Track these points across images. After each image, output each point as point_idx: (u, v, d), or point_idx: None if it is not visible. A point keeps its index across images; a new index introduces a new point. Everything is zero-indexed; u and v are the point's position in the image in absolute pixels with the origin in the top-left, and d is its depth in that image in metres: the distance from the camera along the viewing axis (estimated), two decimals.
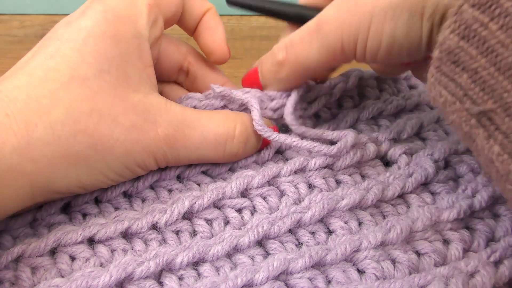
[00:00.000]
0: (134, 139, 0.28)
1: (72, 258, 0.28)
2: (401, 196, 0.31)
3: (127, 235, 0.29)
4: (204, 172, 0.32)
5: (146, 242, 0.29)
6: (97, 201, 0.31)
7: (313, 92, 0.34)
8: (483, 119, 0.22)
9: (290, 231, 0.29)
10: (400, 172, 0.32)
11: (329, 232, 0.29)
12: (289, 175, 0.31)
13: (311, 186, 0.31)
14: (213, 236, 0.29)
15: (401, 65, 0.32)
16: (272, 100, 0.33)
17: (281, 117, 0.33)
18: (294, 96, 0.32)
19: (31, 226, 0.29)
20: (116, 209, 0.30)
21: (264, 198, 0.30)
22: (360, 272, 0.28)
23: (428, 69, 0.24)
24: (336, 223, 0.29)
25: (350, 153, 0.32)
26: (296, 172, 0.31)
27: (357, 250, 0.28)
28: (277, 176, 0.31)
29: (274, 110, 0.33)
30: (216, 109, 0.33)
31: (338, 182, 0.31)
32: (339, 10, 0.28)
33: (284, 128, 0.34)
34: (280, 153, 0.33)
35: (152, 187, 0.31)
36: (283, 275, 0.27)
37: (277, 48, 0.31)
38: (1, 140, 0.25)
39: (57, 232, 0.28)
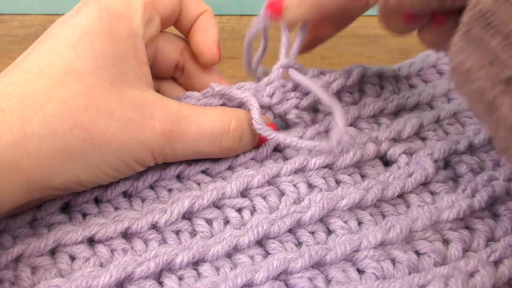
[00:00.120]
0: (131, 134, 0.28)
1: (72, 258, 0.28)
2: (401, 196, 0.31)
3: (127, 235, 0.29)
4: (203, 172, 0.32)
5: (146, 242, 0.29)
6: (97, 201, 0.31)
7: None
8: None
9: (290, 230, 0.29)
10: (400, 172, 0.32)
11: (329, 232, 0.29)
12: (289, 175, 0.31)
13: (311, 186, 0.31)
14: (213, 236, 0.29)
15: (405, 22, 0.31)
16: (267, 85, 0.33)
17: (278, 103, 0.33)
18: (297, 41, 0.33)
19: (31, 226, 0.29)
20: (116, 209, 0.30)
21: (264, 197, 0.30)
22: (360, 271, 0.28)
23: (452, 36, 0.24)
24: (336, 223, 0.29)
25: (350, 153, 0.32)
26: (296, 171, 0.31)
27: (357, 250, 0.28)
28: (277, 175, 0.31)
29: (271, 96, 0.33)
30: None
31: (338, 182, 0.31)
32: None
33: (282, 122, 0.34)
34: (280, 151, 0.33)
35: (152, 187, 0.31)
36: (283, 275, 0.27)
37: None
38: None
39: (57, 232, 0.28)
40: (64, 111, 0.26)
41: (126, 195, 0.31)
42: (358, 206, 0.30)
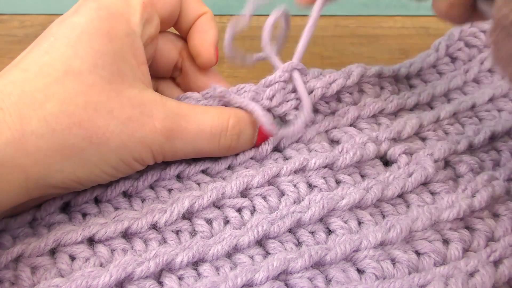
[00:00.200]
0: (130, 132, 0.28)
1: (72, 258, 0.28)
2: (401, 195, 0.31)
3: (127, 235, 0.29)
4: (203, 171, 0.32)
5: (146, 242, 0.29)
6: (97, 201, 0.31)
7: (310, 84, 0.34)
8: None
9: (290, 230, 0.29)
10: (400, 172, 0.32)
11: (329, 231, 0.29)
12: (289, 175, 0.31)
13: (310, 186, 0.31)
14: (213, 236, 0.29)
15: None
16: (267, 86, 0.33)
17: (278, 105, 0.33)
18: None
19: (31, 225, 0.29)
20: (116, 209, 0.30)
21: (264, 197, 0.30)
22: (360, 271, 0.28)
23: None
24: (335, 223, 0.29)
25: (350, 153, 0.32)
26: (296, 171, 0.31)
27: (356, 250, 0.28)
28: (277, 175, 0.31)
29: (270, 98, 0.33)
30: None
31: (338, 182, 0.31)
32: None
33: (282, 122, 0.34)
34: (280, 151, 0.33)
35: (151, 187, 0.31)
36: (283, 275, 0.27)
37: None
38: None
39: (57, 231, 0.28)
40: (63, 110, 0.26)
41: (126, 195, 0.31)
42: (358, 206, 0.30)
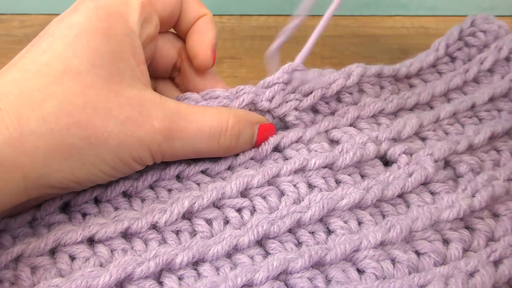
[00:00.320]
0: (128, 132, 0.28)
1: (72, 258, 0.28)
2: (401, 195, 0.31)
3: (127, 235, 0.29)
4: (203, 172, 0.32)
5: (146, 242, 0.29)
6: (97, 201, 0.31)
7: (310, 84, 0.34)
8: None
9: (290, 230, 0.29)
10: (400, 172, 0.32)
11: (329, 231, 0.29)
12: (288, 175, 0.31)
13: (310, 186, 0.31)
14: (213, 236, 0.29)
15: None
16: (266, 88, 0.33)
17: (278, 106, 0.33)
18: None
19: (31, 225, 0.29)
20: (116, 209, 0.30)
21: (264, 197, 0.30)
22: (360, 271, 0.28)
23: None
24: (335, 223, 0.29)
25: (350, 153, 0.32)
26: (296, 171, 0.31)
27: (356, 250, 0.28)
28: (277, 175, 0.31)
29: (270, 100, 0.33)
30: None
31: (338, 182, 0.31)
32: None
33: (282, 123, 0.34)
34: (280, 151, 0.33)
35: (151, 187, 0.31)
36: (282, 275, 0.27)
37: None
38: None
39: (57, 231, 0.28)
40: (61, 109, 0.26)
41: (126, 195, 0.31)
42: (358, 206, 0.30)
